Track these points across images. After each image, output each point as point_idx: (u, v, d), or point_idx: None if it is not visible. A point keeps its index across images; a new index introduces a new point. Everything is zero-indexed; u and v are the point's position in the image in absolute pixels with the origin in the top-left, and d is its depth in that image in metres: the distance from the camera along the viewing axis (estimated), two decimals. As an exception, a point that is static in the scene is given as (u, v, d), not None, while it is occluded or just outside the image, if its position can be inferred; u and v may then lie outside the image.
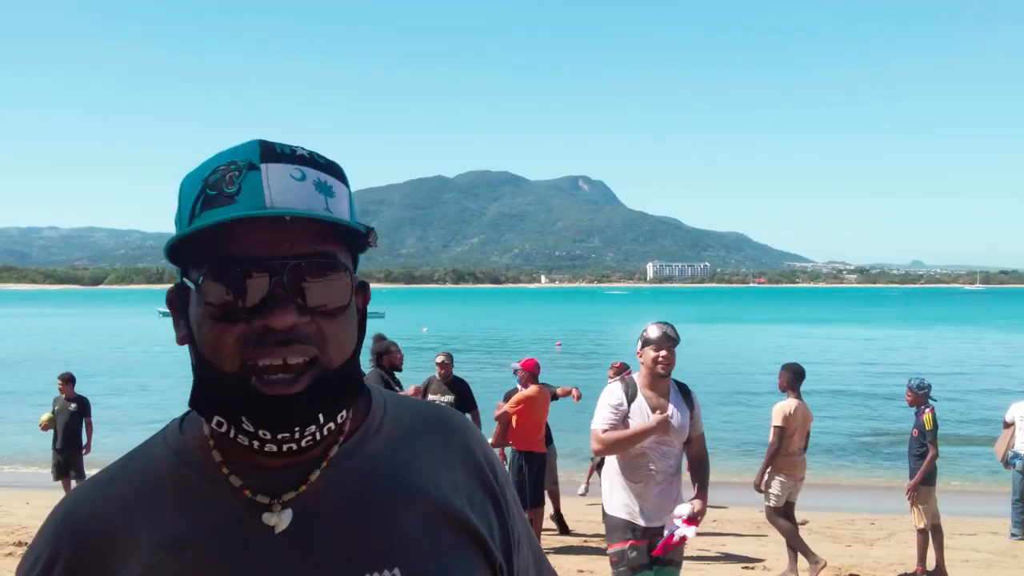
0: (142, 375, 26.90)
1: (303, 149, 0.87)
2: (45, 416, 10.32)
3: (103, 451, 10.02)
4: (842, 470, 14.06)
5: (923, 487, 7.29)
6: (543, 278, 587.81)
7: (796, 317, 74.30)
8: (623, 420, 4.37)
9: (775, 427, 6.99)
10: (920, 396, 7.32)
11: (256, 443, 0.83)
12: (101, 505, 0.88)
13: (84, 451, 10.29)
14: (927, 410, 7.23)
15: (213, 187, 0.83)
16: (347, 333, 0.87)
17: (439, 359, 8.39)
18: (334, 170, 0.89)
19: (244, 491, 0.87)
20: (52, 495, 10.52)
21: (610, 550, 4.46)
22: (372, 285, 0.86)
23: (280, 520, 0.85)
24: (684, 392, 4.55)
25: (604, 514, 4.52)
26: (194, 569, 0.83)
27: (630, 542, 4.37)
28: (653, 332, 4.44)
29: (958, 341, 42.96)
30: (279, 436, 0.82)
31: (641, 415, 4.38)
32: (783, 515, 7.04)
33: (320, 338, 0.83)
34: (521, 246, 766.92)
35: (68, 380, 10.50)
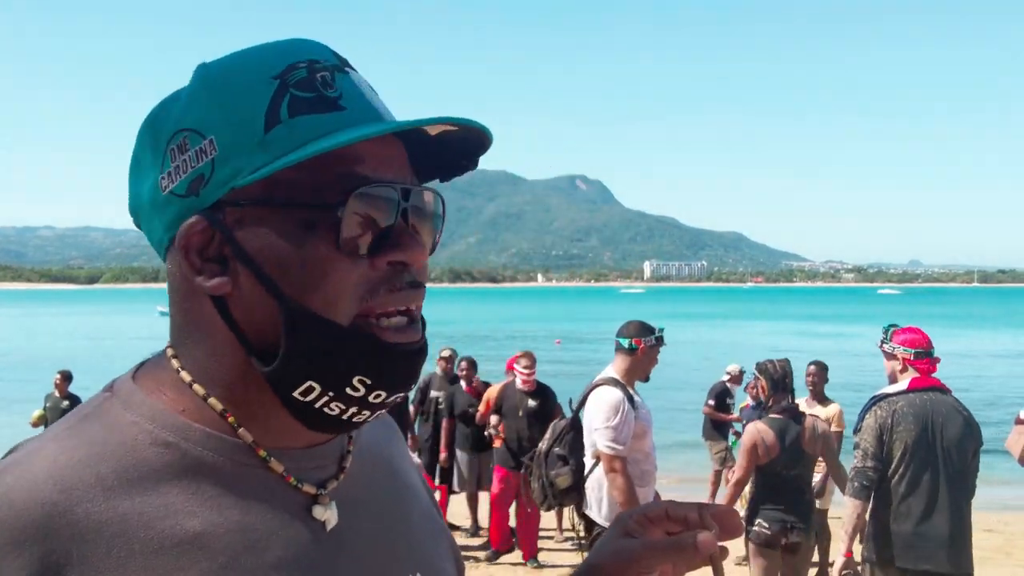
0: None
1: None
2: (36, 413, 10.31)
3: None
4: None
5: None
6: (540, 277, 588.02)
7: (817, 316, 74.51)
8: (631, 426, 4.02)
9: (840, 432, 6.66)
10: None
11: (354, 410, 0.68)
12: (72, 495, 0.62)
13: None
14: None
15: (302, 87, 0.66)
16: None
17: (444, 353, 8.11)
18: None
19: (288, 478, 0.71)
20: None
21: None
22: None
23: (330, 515, 0.72)
24: None
25: (600, 527, 4.14)
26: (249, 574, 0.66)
27: None
28: (662, 332, 4.28)
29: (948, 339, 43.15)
30: (394, 397, 0.70)
31: (645, 421, 4.09)
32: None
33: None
34: (518, 245, 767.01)
35: (67, 377, 10.49)
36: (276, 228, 0.65)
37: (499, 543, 6.96)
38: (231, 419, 0.69)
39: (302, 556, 0.69)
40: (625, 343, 4.19)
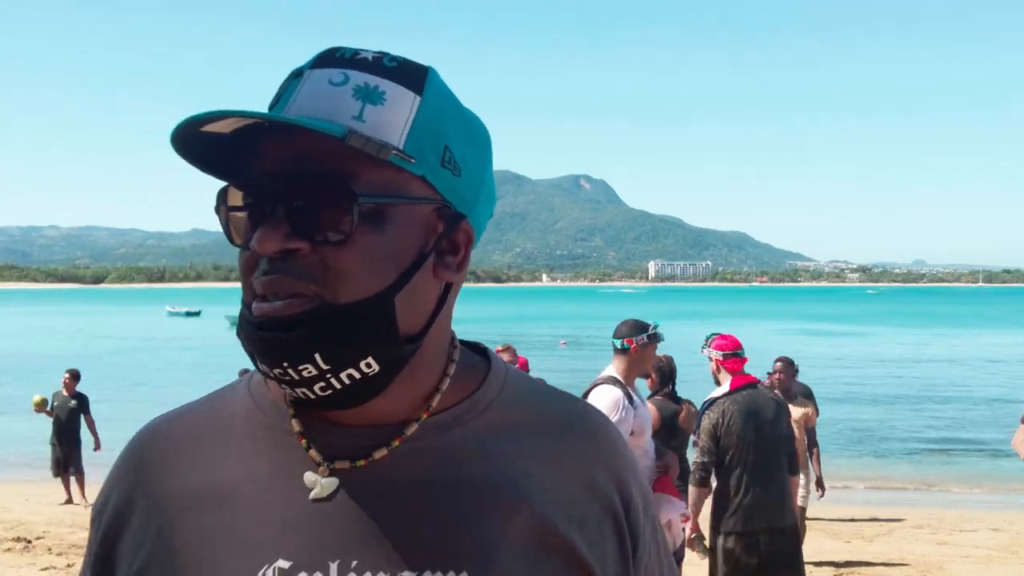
0: (153, 373, 26.94)
1: (376, 52, 0.75)
2: (38, 397, 10.33)
3: (106, 447, 10.00)
4: (842, 467, 14.04)
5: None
6: (545, 277, 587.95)
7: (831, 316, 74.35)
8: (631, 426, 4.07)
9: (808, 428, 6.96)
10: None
11: (282, 385, 0.74)
12: (169, 441, 0.82)
13: (95, 448, 10.23)
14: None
15: (273, 101, 0.75)
16: (365, 268, 0.71)
17: None
18: (405, 75, 0.74)
19: (301, 439, 0.77)
20: (51, 491, 10.54)
21: None
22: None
23: (320, 487, 0.75)
24: None
25: None
26: (226, 519, 0.75)
27: None
28: (655, 329, 4.33)
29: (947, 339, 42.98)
30: (275, 371, 0.72)
31: (643, 419, 4.13)
32: None
33: (323, 271, 0.70)
34: (523, 245, 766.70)
35: (75, 376, 10.54)
36: None
37: None
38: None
39: (283, 513, 0.75)
40: (618, 344, 4.30)
